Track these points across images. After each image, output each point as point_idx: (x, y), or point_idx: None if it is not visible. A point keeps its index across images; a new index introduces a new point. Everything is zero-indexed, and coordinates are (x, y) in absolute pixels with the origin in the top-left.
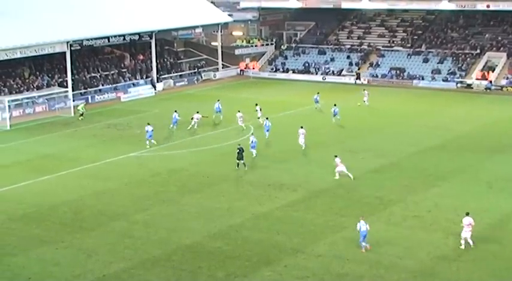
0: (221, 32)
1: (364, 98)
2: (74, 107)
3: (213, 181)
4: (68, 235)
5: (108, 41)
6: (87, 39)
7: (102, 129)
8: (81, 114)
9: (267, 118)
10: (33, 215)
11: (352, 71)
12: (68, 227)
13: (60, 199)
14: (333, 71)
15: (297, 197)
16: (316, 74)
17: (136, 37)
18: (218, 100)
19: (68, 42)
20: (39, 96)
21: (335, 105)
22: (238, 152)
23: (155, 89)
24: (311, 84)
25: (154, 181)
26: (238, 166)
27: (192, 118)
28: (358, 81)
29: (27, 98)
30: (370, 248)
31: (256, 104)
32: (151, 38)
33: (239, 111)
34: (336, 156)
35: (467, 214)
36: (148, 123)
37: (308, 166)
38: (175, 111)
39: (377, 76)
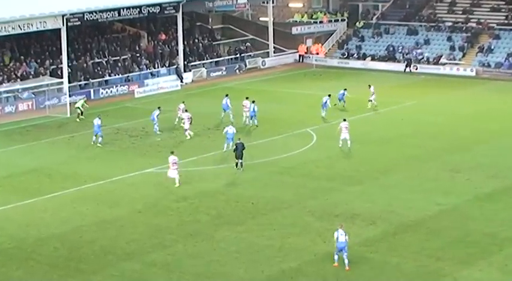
0: (273, 3)
1: (371, 96)
2: (70, 104)
3: (259, 208)
4: (60, 280)
5: (119, 14)
6: (90, 12)
7: (109, 136)
8: (80, 114)
9: (253, 101)
10: (12, 251)
11: (454, 58)
12: (59, 270)
13: (49, 230)
14: (427, 58)
15: (376, 232)
16: (405, 62)
17: (157, 9)
18: (226, 95)
19: (63, 16)
20: (24, 90)
21: (345, 89)
22: (236, 149)
23: (182, 81)
24: (397, 75)
25: (178, 208)
26: (237, 166)
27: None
28: (408, 69)
29: (7, 92)
30: (349, 269)
31: (247, 98)
32: (177, 11)
33: (249, 99)
34: (344, 120)
35: None
36: (159, 107)
37: (392, 190)
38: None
39: (489, 65)
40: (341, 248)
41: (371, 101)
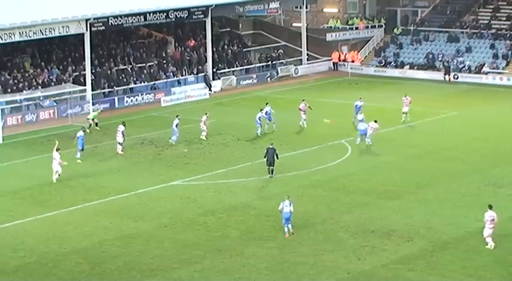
0: (307, 8)
1: (404, 107)
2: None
3: (291, 223)
4: None
5: (145, 19)
6: (114, 17)
7: (134, 146)
8: (95, 125)
9: (266, 103)
10: (33, 266)
11: (497, 67)
12: None
13: (71, 244)
14: (469, 67)
15: (413, 250)
16: (445, 70)
17: (185, 14)
18: (267, 103)
19: (87, 21)
20: (45, 97)
21: (360, 98)
22: (266, 153)
23: (210, 89)
24: (436, 85)
25: (206, 222)
26: (271, 173)
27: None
28: (447, 77)
29: (28, 100)
30: (294, 234)
31: (303, 100)
32: (205, 16)
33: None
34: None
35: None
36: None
37: (430, 205)
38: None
39: None
40: (287, 218)
41: (405, 113)
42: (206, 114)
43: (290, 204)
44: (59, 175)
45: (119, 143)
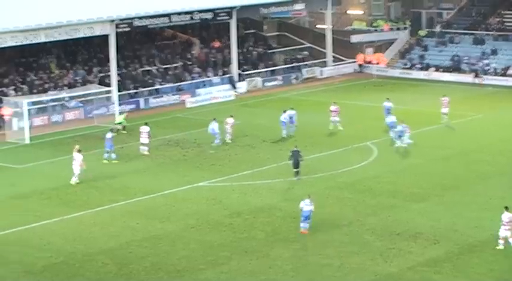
0: (332, 9)
1: (443, 109)
2: (120, 114)
3: (317, 225)
4: None
5: (170, 20)
6: (140, 18)
7: (160, 147)
8: (122, 129)
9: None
10: (59, 267)
11: None
12: None
13: (98, 245)
14: (494, 69)
15: (440, 252)
16: (471, 73)
17: (210, 15)
18: (292, 108)
19: (112, 21)
20: (71, 98)
21: (388, 99)
22: (291, 156)
23: (235, 90)
24: (462, 87)
25: (232, 224)
26: (297, 175)
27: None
28: (477, 80)
29: (54, 101)
30: (307, 233)
31: (335, 102)
32: (230, 17)
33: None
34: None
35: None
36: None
37: (457, 207)
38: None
39: None
40: (306, 216)
41: (445, 114)
42: (232, 116)
43: (311, 203)
44: (75, 176)
45: (144, 144)
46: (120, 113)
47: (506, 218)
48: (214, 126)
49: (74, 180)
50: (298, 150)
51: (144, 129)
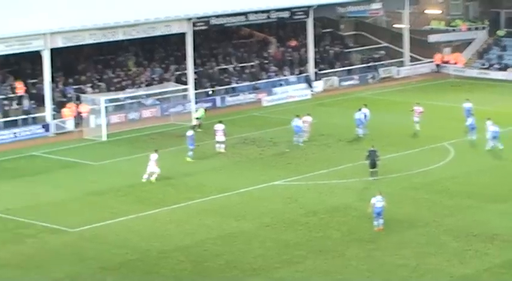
0: (409, 9)
1: (415, 117)
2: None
3: (392, 225)
4: None
5: (247, 19)
6: (217, 16)
7: (236, 146)
8: (198, 126)
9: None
10: (135, 264)
11: None
12: None
13: (173, 242)
14: None
15: None
16: None
17: (287, 14)
18: (365, 105)
19: (189, 20)
20: (148, 96)
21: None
22: (368, 156)
23: (311, 89)
24: None
25: (308, 223)
26: (373, 176)
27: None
28: None
29: (132, 98)
30: (381, 230)
31: (418, 103)
32: (307, 16)
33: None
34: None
35: None
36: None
37: None
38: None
39: None
40: (378, 213)
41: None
42: (309, 114)
43: (382, 199)
44: (157, 174)
45: (220, 142)
46: (197, 109)
47: None
48: (298, 123)
49: (150, 177)
50: (375, 150)
51: (219, 127)
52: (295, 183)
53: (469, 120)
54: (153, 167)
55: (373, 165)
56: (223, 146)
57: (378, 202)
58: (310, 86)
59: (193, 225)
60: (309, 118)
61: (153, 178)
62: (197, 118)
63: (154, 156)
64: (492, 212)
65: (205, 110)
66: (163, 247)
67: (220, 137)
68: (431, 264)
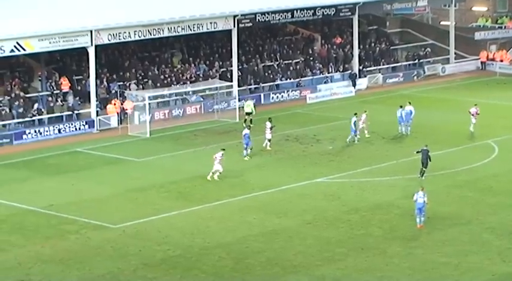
0: (455, 6)
1: (472, 118)
2: (240, 108)
3: (435, 223)
4: None
5: (292, 16)
6: (262, 13)
7: (279, 143)
8: (250, 121)
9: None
10: (177, 260)
11: None
12: (224, 280)
13: (215, 239)
14: None
15: None
16: None
17: (332, 11)
18: (409, 102)
19: (235, 17)
20: (193, 93)
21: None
22: (421, 153)
23: (354, 87)
24: None
25: (350, 220)
26: (421, 174)
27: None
28: None
29: (176, 95)
30: (422, 228)
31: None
32: (353, 13)
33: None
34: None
35: None
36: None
37: None
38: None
39: None
40: (419, 209)
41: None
42: (365, 112)
43: (424, 195)
44: (220, 173)
45: (268, 140)
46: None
47: None
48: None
49: (215, 175)
50: (428, 149)
51: (267, 124)
52: (337, 180)
53: None
54: (217, 166)
55: (424, 164)
56: (268, 143)
57: (419, 197)
58: (354, 83)
59: (235, 222)
60: (363, 115)
61: (215, 176)
62: (248, 113)
63: (219, 154)
64: None
65: (254, 104)
66: (204, 244)
67: (267, 134)
68: (473, 262)
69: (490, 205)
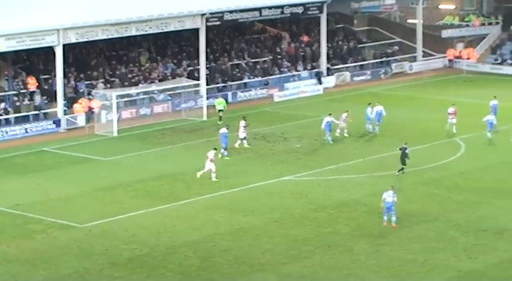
0: (423, 4)
1: (450, 118)
2: (208, 107)
3: (402, 220)
4: None
5: (260, 14)
6: (230, 12)
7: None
8: (219, 118)
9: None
10: (143, 259)
11: None
12: (191, 279)
13: (181, 238)
14: None
15: None
16: None
17: (301, 10)
18: (379, 102)
19: (203, 15)
20: (160, 91)
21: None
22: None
23: (320, 84)
24: None
25: (317, 218)
26: (398, 171)
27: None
28: None
29: (144, 94)
30: (395, 227)
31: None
32: (321, 12)
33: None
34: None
35: None
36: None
37: None
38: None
39: None
40: (388, 208)
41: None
42: (347, 111)
43: (394, 194)
44: (213, 172)
45: (242, 138)
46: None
47: None
48: (328, 120)
49: (212, 175)
50: (405, 147)
51: (241, 123)
52: (305, 178)
53: (490, 117)
54: (209, 165)
55: (402, 161)
56: (245, 141)
57: (388, 196)
58: (319, 81)
59: (202, 220)
60: (344, 114)
61: (213, 177)
62: (220, 110)
63: (211, 153)
64: (501, 207)
65: (227, 101)
66: (171, 243)
67: (241, 133)
68: (439, 259)
69: (457, 202)
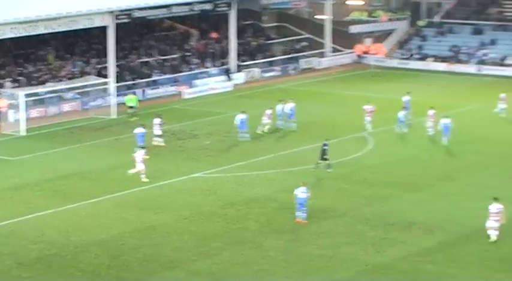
0: (331, 0)
1: (366, 116)
2: (117, 105)
3: (311, 216)
4: None
5: (169, 11)
6: (139, 9)
7: (156, 139)
8: (133, 114)
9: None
10: (52, 259)
11: None
12: (100, 278)
13: (91, 236)
14: (492, 59)
15: (433, 242)
16: (469, 63)
17: (210, 7)
18: (291, 99)
19: (112, 13)
20: (68, 90)
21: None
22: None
23: (230, 81)
24: (460, 77)
25: (226, 215)
26: (328, 167)
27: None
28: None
29: (52, 92)
30: (305, 223)
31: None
32: (230, 8)
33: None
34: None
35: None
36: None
37: (451, 198)
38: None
39: None
40: (301, 204)
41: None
42: (271, 108)
43: (307, 190)
44: (143, 173)
45: (158, 136)
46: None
47: (494, 209)
48: (242, 117)
49: (142, 176)
50: (325, 143)
51: (156, 121)
52: (215, 175)
53: (402, 113)
54: (140, 165)
55: (321, 157)
56: (161, 139)
57: (301, 193)
58: (228, 78)
59: (111, 219)
60: (268, 111)
61: (143, 177)
62: (131, 107)
63: (140, 153)
64: (409, 201)
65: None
66: (80, 241)
67: (156, 131)
68: (347, 253)
69: (365, 196)
